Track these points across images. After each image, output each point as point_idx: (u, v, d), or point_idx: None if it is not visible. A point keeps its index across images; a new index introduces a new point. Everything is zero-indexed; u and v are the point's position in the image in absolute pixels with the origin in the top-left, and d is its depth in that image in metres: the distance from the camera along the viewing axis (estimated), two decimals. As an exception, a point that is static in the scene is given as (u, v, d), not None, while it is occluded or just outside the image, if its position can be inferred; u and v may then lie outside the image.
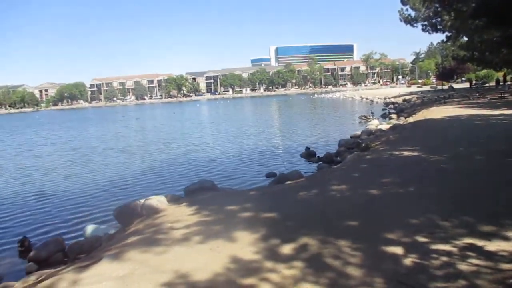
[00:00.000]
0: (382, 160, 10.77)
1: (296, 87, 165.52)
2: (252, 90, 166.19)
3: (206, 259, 4.76)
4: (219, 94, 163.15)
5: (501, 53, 33.17)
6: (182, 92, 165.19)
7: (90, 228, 8.58)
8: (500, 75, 52.80)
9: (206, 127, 38.48)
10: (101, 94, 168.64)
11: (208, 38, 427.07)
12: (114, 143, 28.28)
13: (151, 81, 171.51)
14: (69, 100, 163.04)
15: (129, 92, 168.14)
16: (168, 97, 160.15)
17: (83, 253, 7.37)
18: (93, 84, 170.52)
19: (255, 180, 13.36)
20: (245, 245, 5.12)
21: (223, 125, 38.31)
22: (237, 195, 8.76)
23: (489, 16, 13.46)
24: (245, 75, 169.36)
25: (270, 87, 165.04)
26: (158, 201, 8.03)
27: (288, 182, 10.09)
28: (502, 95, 31.76)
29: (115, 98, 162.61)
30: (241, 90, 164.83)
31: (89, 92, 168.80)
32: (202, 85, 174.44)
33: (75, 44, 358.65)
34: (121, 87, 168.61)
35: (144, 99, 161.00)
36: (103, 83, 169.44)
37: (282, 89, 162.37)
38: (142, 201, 8.31)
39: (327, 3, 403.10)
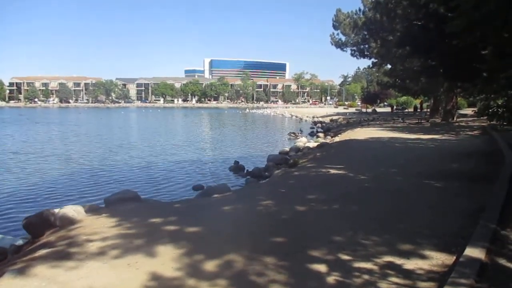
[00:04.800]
0: (309, 177, 10.97)
1: (229, 100, 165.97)
2: (184, 100, 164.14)
3: (123, 276, 4.44)
4: (149, 102, 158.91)
5: (420, 81, 35.79)
6: (110, 97, 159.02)
7: (-7, 239, 7.76)
8: (417, 102, 56.94)
9: (133, 136, 37.18)
10: (21, 94, 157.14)
11: (141, 45, 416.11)
12: (29, 147, 26.30)
13: (77, 84, 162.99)
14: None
15: (52, 94, 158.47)
16: (95, 102, 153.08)
17: (-17, 267, 6.62)
18: (13, 83, 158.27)
19: (181, 192, 13.01)
20: (166, 260, 4.86)
21: (151, 134, 37.23)
22: (162, 208, 8.42)
23: (412, 46, 14.46)
24: (177, 85, 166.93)
25: (203, 99, 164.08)
26: (74, 211, 7.46)
27: (215, 195, 9.91)
28: (419, 121, 34.19)
29: (36, 99, 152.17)
30: (173, 100, 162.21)
31: (7, 91, 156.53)
32: (133, 92, 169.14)
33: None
34: (44, 88, 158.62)
35: (69, 102, 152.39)
36: (23, 83, 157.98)
37: (215, 102, 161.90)
38: (56, 210, 7.67)
39: (262, 22, 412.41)
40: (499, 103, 14.42)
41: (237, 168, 16.92)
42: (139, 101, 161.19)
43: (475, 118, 33.26)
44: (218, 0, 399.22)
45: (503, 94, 14.24)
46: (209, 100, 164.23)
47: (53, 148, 25.56)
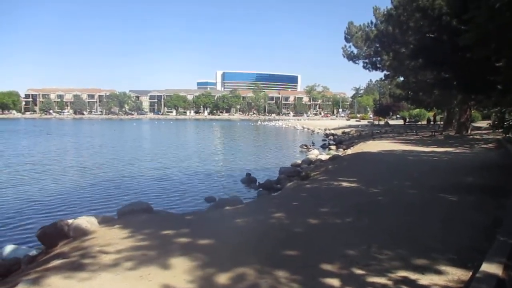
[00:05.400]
0: (321, 190, 10.90)
1: (240, 112, 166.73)
2: (196, 112, 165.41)
3: (135, 288, 4.45)
4: (162, 114, 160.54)
5: (433, 94, 35.55)
6: (124, 109, 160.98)
7: (8, 249, 7.84)
8: (431, 114, 56.52)
9: (145, 147, 37.44)
10: (36, 105, 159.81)
11: (154, 57, 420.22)
12: (44, 158, 26.64)
13: (92, 96, 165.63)
14: (1, 110, 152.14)
15: (67, 105, 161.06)
16: (108, 114, 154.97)
17: (-2, 277, 6.68)
18: (28, 95, 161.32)
19: (193, 204, 13.04)
20: (179, 273, 4.86)
21: (163, 146, 37.44)
22: (174, 219, 8.44)
23: (425, 58, 14.44)
24: (190, 97, 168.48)
25: (215, 111, 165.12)
26: (87, 222, 7.52)
27: (227, 207, 9.90)
28: (433, 134, 33.85)
29: (51, 111, 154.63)
30: (185, 112, 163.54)
31: (23, 103, 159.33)
32: (146, 104, 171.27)
33: (9, 51, 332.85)
34: (59, 99, 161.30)
35: (83, 114, 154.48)
36: (39, 94, 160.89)
37: (226, 114, 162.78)
38: (70, 221, 7.75)
39: (275, 34, 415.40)
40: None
41: (249, 180, 16.91)
42: (152, 113, 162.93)
43: (490, 131, 32.83)
44: (231, 12, 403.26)
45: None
46: (221, 112, 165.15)
47: (66, 159, 25.89)
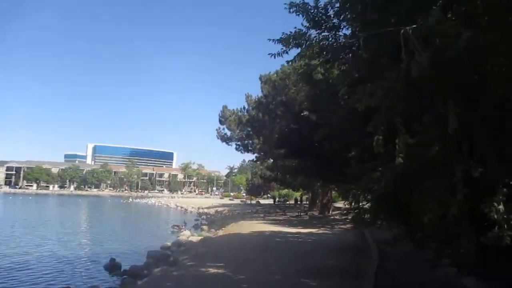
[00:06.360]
0: (187, 278, 10.65)
1: (111, 188, 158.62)
2: (61, 187, 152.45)
3: None
4: (20, 188, 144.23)
5: (298, 177, 38.33)
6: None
7: None
8: (298, 195, 60.44)
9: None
10: None
11: (15, 125, 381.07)
12: None
13: None
14: None
15: None
16: None
17: None
18: None
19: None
20: None
21: (17, 227, 33.09)
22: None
23: (287, 148, 15.72)
24: (55, 170, 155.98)
25: (83, 186, 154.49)
26: None
27: (84, 301, 9.01)
28: (299, 214, 35.96)
29: None
30: (48, 186, 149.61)
31: None
32: (1, 176, 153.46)
33: None
34: None
35: None
36: None
37: (95, 190, 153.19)
38: None
39: (151, 110, 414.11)
40: (360, 205, 15.71)
41: (113, 266, 15.67)
42: (7, 187, 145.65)
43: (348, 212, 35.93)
44: (104, 83, 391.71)
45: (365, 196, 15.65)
46: (89, 187, 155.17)
47: None
